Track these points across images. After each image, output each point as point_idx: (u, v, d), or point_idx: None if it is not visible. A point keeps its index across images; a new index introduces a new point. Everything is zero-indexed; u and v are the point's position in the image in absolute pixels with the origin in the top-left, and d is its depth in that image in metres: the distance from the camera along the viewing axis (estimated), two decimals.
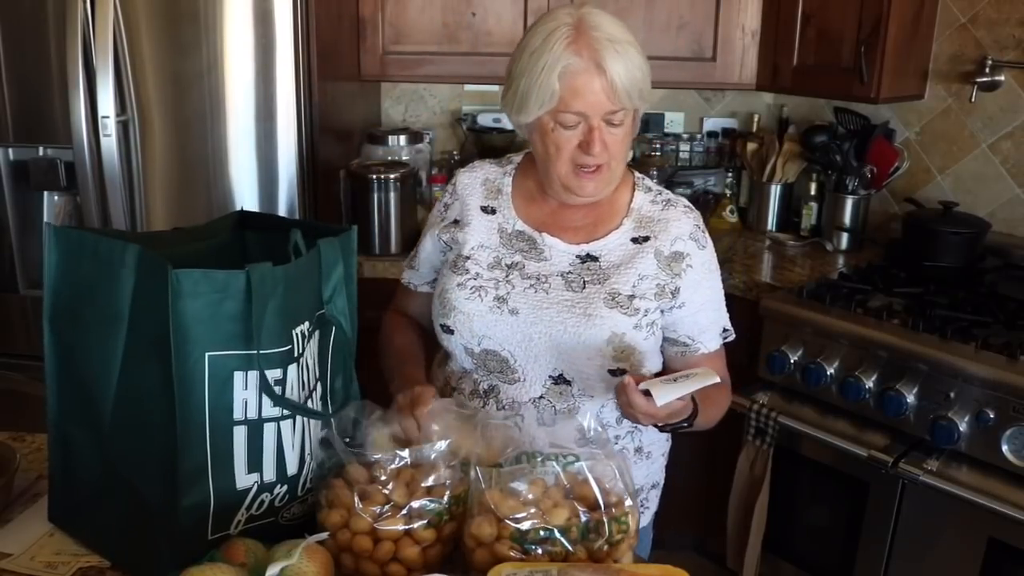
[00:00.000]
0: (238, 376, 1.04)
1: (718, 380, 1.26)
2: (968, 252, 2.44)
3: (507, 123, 2.85)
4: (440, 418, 1.19)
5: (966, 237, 2.43)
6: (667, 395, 1.20)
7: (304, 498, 1.15)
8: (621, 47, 1.29)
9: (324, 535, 1.04)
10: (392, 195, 2.55)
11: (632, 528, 1.07)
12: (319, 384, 1.17)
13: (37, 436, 1.42)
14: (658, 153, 3.04)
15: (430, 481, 1.08)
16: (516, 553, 1.02)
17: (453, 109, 3.18)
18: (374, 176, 2.54)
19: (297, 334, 1.09)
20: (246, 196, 2.45)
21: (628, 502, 1.07)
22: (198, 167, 2.44)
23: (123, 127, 2.38)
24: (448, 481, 1.08)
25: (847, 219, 2.70)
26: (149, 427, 1.05)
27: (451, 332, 1.44)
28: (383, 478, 1.07)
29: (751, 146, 2.90)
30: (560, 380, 1.41)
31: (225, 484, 1.06)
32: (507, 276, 1.42)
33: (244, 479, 1.08)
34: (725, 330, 1.50)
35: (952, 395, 1.93)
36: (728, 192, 3.02)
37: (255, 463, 1.08)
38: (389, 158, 2.78)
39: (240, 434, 1.06)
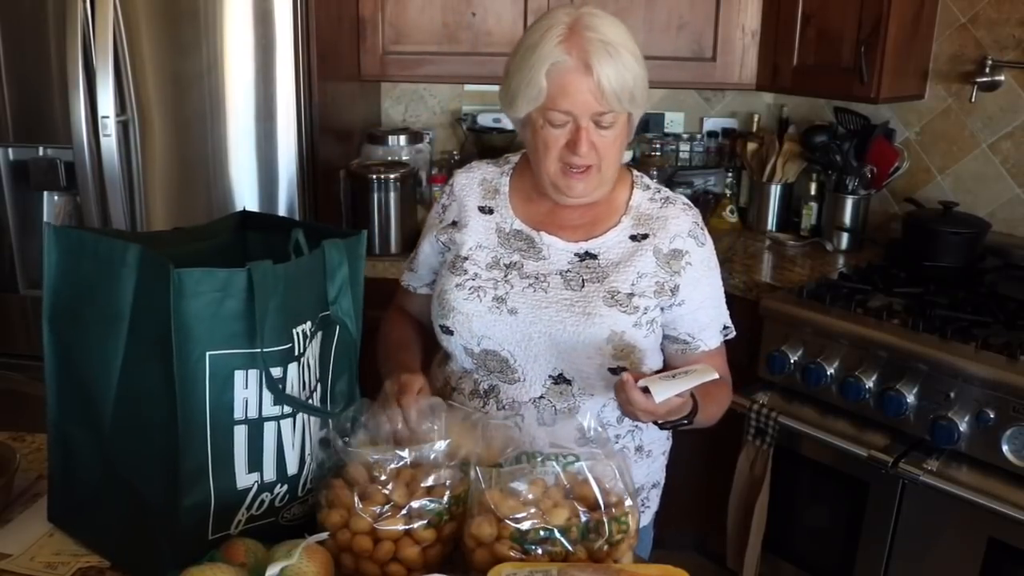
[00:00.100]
0: (239, 375, 1.04)
1: (717, 376, 1.26)
2: (968, 252, 2.44)
3: (507, 123, 2.86)
4: (430, 417, 1.19)
5: (966, 237, 2.43)
6: (666, 392, 1.20)
7: (304, 499, 1.15)
8: (614, 50, 1.28)
9: (324, 535, 1.04)
10: (392, 195, 2.55)
11: (632, 528, 1.07)
12: (319, 385, 1.17)
13: (37, 436, 1.42)
14: (658, 153, 3.04)
15: (430, 481, 1.08)
16: (516, 553, 1.02)
17: (453, 109, 3.18)
18: (374, 176, 2.54)
19: (298, 333, 1.09)
20: (246, 196, 2.45)
21: (628, 502, 1.07)
22: (198, 167, 2.44)
23: (123, 127, 2.38)
24: (448, 481, 1.08)
25: (847, 219, 2.70)
26: (149, 427, 1.05)
27: (450, 333, 1.44)
28: (383, 478, 1.07)
29: (751, 146, 2.90)
30: (560, 379, 1.41)
31: (226, 484, 1.06)
32: (506, 276, 1.42)
33: (244, 479, 1.08)
34: (725, 327, 1.50)
35: (952, 395, 1.93)
36: (728, 192, 3.02)
37: (255, 463, 1.08)
38: (389, 158, 2.78)
39: (240, 433, 1.06)
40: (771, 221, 2.91)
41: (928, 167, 2.69)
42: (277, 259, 1.06)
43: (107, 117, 2.33)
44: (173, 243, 1.21)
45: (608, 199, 1.45)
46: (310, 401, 1.15)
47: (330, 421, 1.15)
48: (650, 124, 3.06)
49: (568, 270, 1.41)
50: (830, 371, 2.13)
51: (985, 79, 2.47)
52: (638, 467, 1.49)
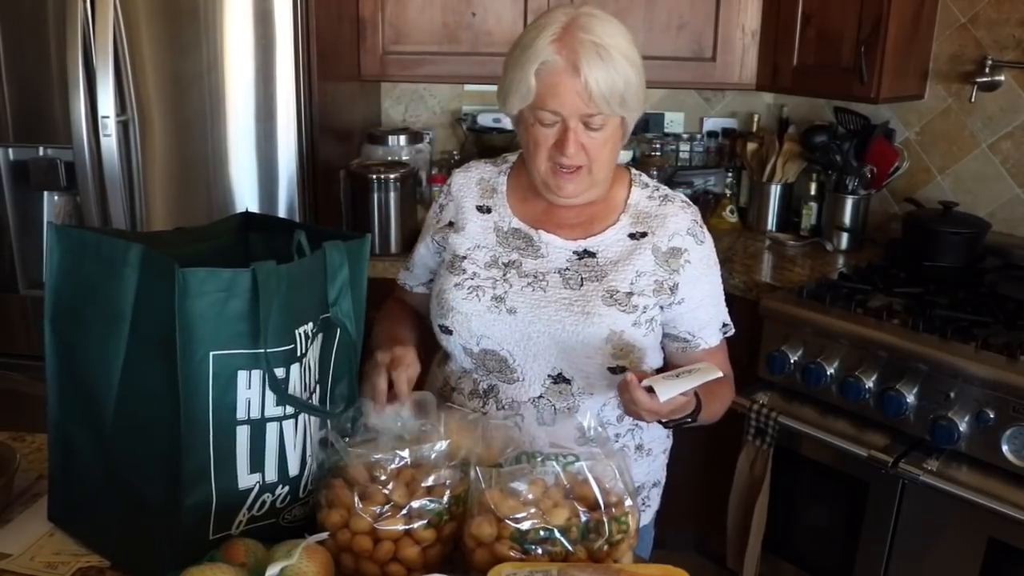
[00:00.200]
0: (242, 375, 1.04)
1: (721, 375, 1.26)
2: (968, 252, 2.44)
3: (507, 123, 2.86)
4: (422, 411, 1.19)
5: (966, 237, 2.43)
6: (670, 391, 1.20)
7: (306, 500, 1.15)
8: (605, 52, 1.28)
9: (324, 535, 1.04)
10: (392, 195, 2.55)
11: (632, 528, 1.07)
12: (318, 386, 1.17)
13: (37, 436, 1.42)
14: (658, 153, 3.04)
15: (430, 481, 1.08)
16: (516, 553, 1.02)
17: (453, 109, 3.18)
18: (374, 176, 2.55)
19: (300, 334, 1.09)
20: (246, 196, 2.45)
21: (628, 502, 1.07)
22: (198, 167, 2.44)
23: (123, 127, 2.38)
24: (448, 481, 1.08)
25: (847, 219, 2.70)
26: (151, 427, 1.05)
27: (449, 332, 1.44)
28: (383, 478, 1.07)
29: (751, 146, 2.90)
30: (560, 379, 1.41)
31: (227, 484, 1.06)
32: (504, 275, 1.42)
33: (246, 479, 1.08)
34: (725, 325, 1.50)
35: (952, 395, 1.93)
36: (728, 192, 3.02)
37: (257, 463, 1.08)
38: (389, 158, 2.78)
39: (243, 434, 1.06)
40: (771, 221, 2.91)
41: (928, 167, 2.69)
42: (279, 261, 1.06)
43: (107, 117, 2.33)
44: (175, 243, 1.21)
45: (606, 197, 1.45)
46: (310, 402, 1.15)
47: (329, 421, 1.15)
48: (650, 124, 3.05)
49: (567, 268, 1.41)
50: (830, 371, 2.13)
51: (985, 79, 2.48)
52: (638, 466, 1.49)
